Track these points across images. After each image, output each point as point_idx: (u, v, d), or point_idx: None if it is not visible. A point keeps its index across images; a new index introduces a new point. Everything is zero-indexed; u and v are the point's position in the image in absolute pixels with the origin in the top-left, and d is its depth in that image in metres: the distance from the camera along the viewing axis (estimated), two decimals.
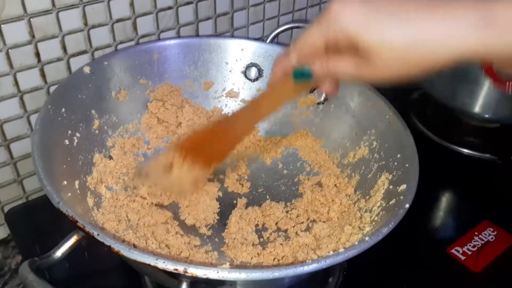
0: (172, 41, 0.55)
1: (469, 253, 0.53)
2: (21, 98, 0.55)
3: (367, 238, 0.33)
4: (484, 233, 0.55)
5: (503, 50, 0.27)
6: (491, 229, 0.56)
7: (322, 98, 0.54)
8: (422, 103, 0.76)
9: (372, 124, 0.49)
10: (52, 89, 0.57)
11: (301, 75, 0.35)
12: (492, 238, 0.55)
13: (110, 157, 0.48)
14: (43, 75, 0.55)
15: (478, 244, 0.54)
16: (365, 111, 0.50)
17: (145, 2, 0.59)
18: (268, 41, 0.58)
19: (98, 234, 0.30)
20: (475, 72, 0.62)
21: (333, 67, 0.33)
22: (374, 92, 0.49)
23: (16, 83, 0.54)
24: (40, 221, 0.56)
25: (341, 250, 0.32)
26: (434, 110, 0.74)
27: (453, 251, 0.53)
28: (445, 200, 0.62)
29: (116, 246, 0.30)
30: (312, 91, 0.55)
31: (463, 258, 0.52)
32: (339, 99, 0.53)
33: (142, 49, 0.53)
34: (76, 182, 0.42)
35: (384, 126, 0.47)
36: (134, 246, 0.37)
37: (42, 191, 0.62)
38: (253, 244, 0.45)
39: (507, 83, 0.33)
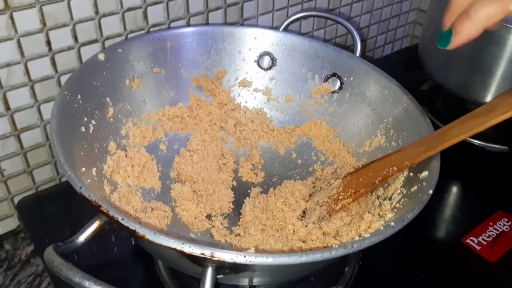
0: (185, 29, 0.54)
1: (484, 243, 0.53)
2: (32, 87, 0.55)
3: (392, 224, 0.32)
4: (499, 223, 0.55)
5: None
6: (506, 219, 0.56)
7: (337, 87, 0.54)
8: (433, 94, 0.76)
9: (389, 112, 0.48)
10: (62, 78, 0.57)
11: None
12: (507, 228, 0.55)
13: (124, 148, 0.48)
14: (53, 64, 0.55)
15: (493, 234, 0.54)
16: (381, 99, 0.50)
17: None
18: (280, 29, 0.58)
19: (122, 219, 0.30)
20: (490, 62, 0.62)
21: None
22: (391, 80, 0.49)
23: (27, 72, 0.54)
24: (50, 211, 0.56)
25: (367, 235, 0.32)
26: (445, 101, 0.74)
27: (468, 241, 0.53)
28: (458, 191, 0.62)
29: (141, 231, 0.29)
30: (326, 79, 0.54)
31: (478, 248, 0.52)
32: (354, 88, 0.53)
33: (156, 37, 0.52)
34: (93, 170, 0.41)
35: (401, 114, 0.47)
36: None
37: (52, 182, 0.62)
38: (269, 232, 0.44)
39: None
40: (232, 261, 0.29)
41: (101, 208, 0.30)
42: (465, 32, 0.33)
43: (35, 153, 0.60)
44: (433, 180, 0.37)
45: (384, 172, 0.42)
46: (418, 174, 0.39)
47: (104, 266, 0.48)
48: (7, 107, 0.54)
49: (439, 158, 0.39)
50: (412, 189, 0.39)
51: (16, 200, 0.61)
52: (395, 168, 0.41)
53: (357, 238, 0.32)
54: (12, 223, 0.62)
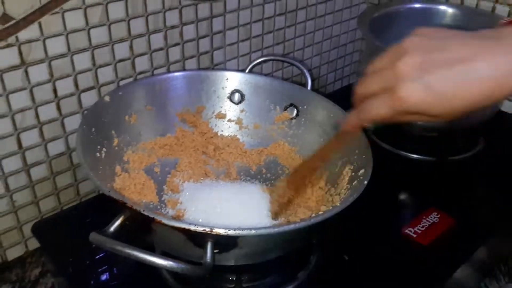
0: (171, 75, 0.65)
1: (419, 231, 0.65)
2: (41, 129, 0.64)
3: (338, 204, 0.45)
4: (431, 216, 0.67)
5: None
6: (436, 213, 0.68)
7: (294, 114, 0.67)
8: None
9: (335, 131, 0.61)
10: (66, 120, 0.66)
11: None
12: (436, 220, 0.67)
13: (127, 171, 0.59)
14: (58, 108, 0.64)
15: (426, 225, 0.66)
16: (328, 121, 0.62)
17: (141, 44, 0.69)
18: (246, 71, 0.71)
19: (144, 210, 0.40)
20: None
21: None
22: (334, 105, 0.62)
23: (37, 115, 0.63)
24: (58, 234, 0.64)
25: (320, 213, 0.44)
26: (385, 124, 0.88)
27: (406, 231, 0.65)
28: (400, 194, 0.74)
29: (159, 218, 0.40)
30: (285, 108, 0.68)
31: (414, 236, 0.64)
32: (307, 114, 0.65)
33: (148, 81, 0.63)
34: (108, 185, 0.52)
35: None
36: None
37: (55, 211, 0.70)
38: None
39: None
40: (226, 233, 0.40)
41: (127, 204, 0.41)
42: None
43: (42, 185, 0.67)
44: (368, 174, 0.49)
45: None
46: (358, 173, 0.52)
47: None
48: (20, 146, 0.63)
49: (372, 159, 0.52)
50: (353, 183, 0.51)
51: (24, 228, 0.69)
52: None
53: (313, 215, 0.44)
54: (20, 250, 0.70)
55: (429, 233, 0.65)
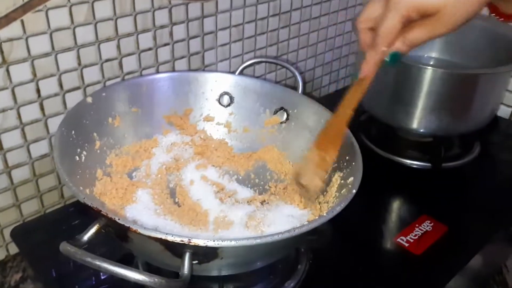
0: (158, 76, 0.64)
1: (412, 240, 0.63)
2: (23, 130, 0.62)
3: (324, 214, 0.43)
4: (423, 225, 0.66)
5: None
6: (429, 221, 0.66)
7: (284, 118, 0.65)
8: (369, 124, 0.87)
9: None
10: (49, 121, 0.64)
11: (396, 59, 0.42)
12: (429, 228, 0.65)
13: (109, 175, 0.57)
14: (42, 108, 0.63)
15: (419, 233, 0.64)
16: (319, 126, 0.59)
17: (129, 44, 0.68)
18: (236, 73, 0.69)
19: (119, 219, 0.39)
20: (409, 96, 0.75)
21: (413, 39, 0.40)
22: (325, 109, 0.60)
23: (19, 116, 0.61)
24: (39, 238, 0.62)
25: (305, 223, 0.42)
26: (378, 129, 0.86)
27: (398, 240, 0.63)
28: (391, 201, 0.73)
29: (134, 227, 0.38)
30: (275, 112, 0.66)
31: (407, 245, 0.62)
32: (298, 119, 0.63)
33: (134, 82, 0.62)
34: (87, 190, 0.50)
35: None
36: None
37: (37, 214, 0.69)
38: None
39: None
40: (204, 244, 0.38)
41: (102, 212, 0.39)
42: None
43: (24, 188, 0.66)
44: (356, 182, 0.47)
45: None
46: (347, 181, 0.50)
47: None
48: (1, 147, 0.61)
49: (362, 166, 0.50)
50: (342, 191, 0.49)
51: (5, 232, 0.67)
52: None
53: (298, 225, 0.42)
54: (0, 254, 0.68)
55: (422, 242, 0.63)
